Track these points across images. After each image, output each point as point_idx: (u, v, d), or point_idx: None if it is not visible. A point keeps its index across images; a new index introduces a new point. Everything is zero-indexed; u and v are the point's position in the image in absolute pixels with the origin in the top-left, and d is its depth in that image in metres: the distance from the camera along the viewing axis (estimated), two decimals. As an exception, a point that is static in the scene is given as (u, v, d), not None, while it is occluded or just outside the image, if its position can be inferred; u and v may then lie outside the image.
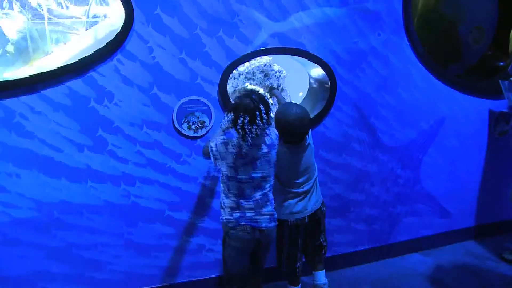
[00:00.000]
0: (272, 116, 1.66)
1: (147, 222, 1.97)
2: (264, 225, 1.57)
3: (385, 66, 2.20)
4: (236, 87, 2.11)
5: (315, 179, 1.87)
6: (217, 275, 2.12)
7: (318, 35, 2.03)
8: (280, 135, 1.69)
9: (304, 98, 2.24)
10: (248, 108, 1.43)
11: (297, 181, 1.78)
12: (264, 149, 1.53)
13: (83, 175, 1.83)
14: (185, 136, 1.92)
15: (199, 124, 1.91)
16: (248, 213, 1.53)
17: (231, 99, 1.89)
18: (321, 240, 1.95)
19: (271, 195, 1.61)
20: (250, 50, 1.92)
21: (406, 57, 2.23)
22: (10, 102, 1.67)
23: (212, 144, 1.54)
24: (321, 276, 1.97)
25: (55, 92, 1.72)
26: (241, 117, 1.43)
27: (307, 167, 1.80)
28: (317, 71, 2.11)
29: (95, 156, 1.82)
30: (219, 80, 1.90)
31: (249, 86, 2.06)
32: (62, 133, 1.77)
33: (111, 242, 1.94)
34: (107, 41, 1.69)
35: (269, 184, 1.58)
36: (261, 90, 2.07)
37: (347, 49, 2.10)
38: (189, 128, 1.90)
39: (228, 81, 1.94)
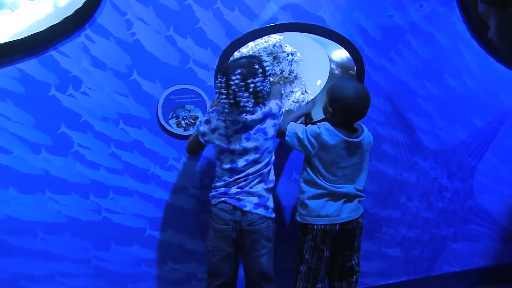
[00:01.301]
0: (268, 78, 1.55)
1: (122, 244, 1.76)
2: (247, 206, 1.51)
3: (429, 46, 1.97)
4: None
5: (360, 192, 1.68)
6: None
7: (342, 7, 1.82)
8: (334, 114, 1.60)
9: (323, 87, 2.01)
10: (241, 65, 1.47)
11: (332, 177, 1.61)
12: (259, 117, 1.53)
13: (39, 184, 1.63)
14: (173, 135, 1.74)
15: (191, 120, 1.74)
16: (234, 190, 1.53)
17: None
18: (353, 262, 1.68)
19: (269, 177, 1.58)
20: (255, 26, 1.72)
21: (457, 34, 1.99)
22: None
23: (201, 120, 1.58)
24: None
25: (0, 76, 1.52)
26: (232, 76, 1.45)
27: (351, 165, 1.63)
28: (340, 54, 1.90)
29: (56, 160, 1.62)
30: (216, 65, 1.70)
31: None
32: (11, 130, 1.56)
33: (73, 271, 1.72)
34: (72, 11, 1.49)
35: (265, 160, 1.56)
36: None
37: (379, 25, 1.89)
38: (178, 124, 1.73)
39: (228, 65, 1.75)
